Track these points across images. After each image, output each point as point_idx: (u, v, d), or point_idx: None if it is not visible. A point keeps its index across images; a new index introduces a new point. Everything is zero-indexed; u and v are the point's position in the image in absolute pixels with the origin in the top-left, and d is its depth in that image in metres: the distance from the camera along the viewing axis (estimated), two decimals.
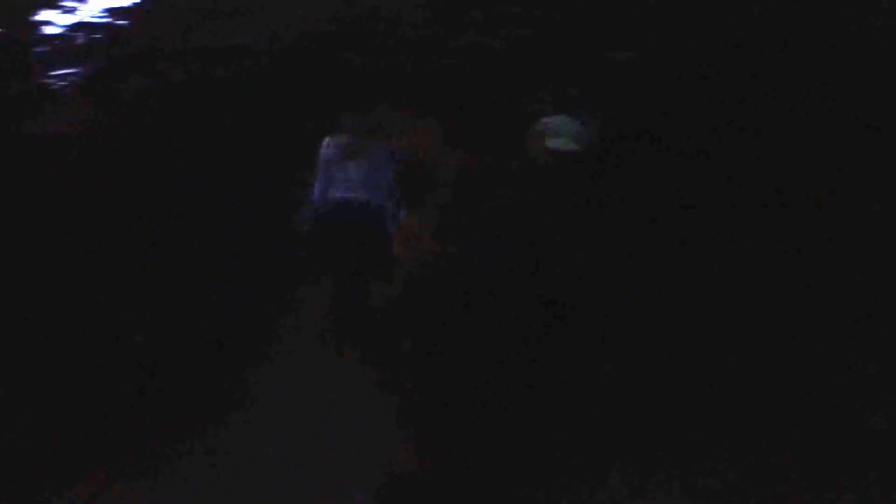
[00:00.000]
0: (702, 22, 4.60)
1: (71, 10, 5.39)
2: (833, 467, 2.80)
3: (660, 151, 4.08)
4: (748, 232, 3.79)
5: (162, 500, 2.78)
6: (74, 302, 3.81)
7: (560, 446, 2.93)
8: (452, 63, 4.66)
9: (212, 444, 3.00)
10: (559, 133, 3.49)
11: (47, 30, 5.31)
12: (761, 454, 2.86)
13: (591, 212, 3.56)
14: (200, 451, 2.98)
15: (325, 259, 3.28)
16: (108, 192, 4.40)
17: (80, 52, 5.24)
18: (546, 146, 3.47)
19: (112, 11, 5.37)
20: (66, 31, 5.32)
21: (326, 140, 3.39)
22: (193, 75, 5.02)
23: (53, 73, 5.14)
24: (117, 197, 4.37)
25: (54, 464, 2.89)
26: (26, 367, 3.38)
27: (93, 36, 5.29)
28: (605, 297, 3.50)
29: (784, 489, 2.73)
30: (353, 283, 3.20)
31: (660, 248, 3.72)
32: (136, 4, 5.30)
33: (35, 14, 5.38)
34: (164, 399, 3.15)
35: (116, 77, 5.08)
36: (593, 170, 3.61)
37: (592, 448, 2.92)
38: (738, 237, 3.76)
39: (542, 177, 3.51)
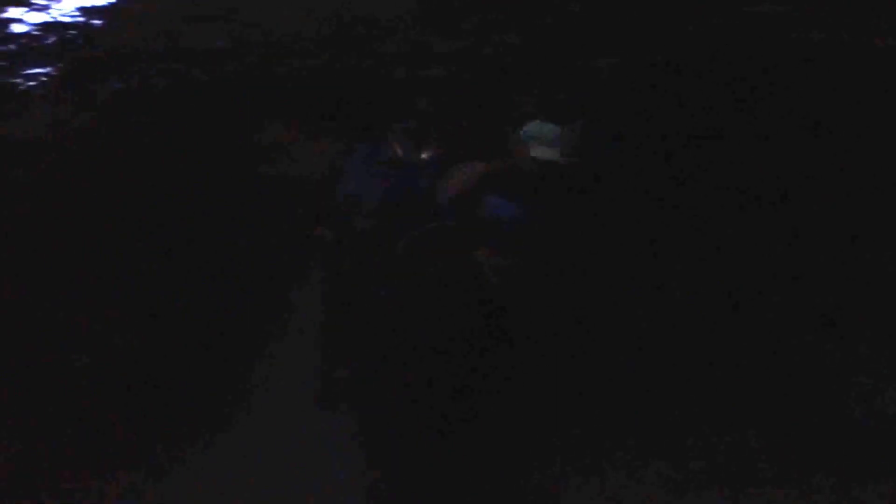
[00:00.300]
0: (688, 28, 4.65)
1: (43, 9, 5.19)
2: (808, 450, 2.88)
3: (646, 160, 4.11)
4: (728, 229, 3.82)
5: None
6: (47, 308, 3.64)
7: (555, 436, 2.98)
8: (442, 70, 4.64)
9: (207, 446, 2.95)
10: (542, 140, 3.43)
11: (16, 28, 5.11)
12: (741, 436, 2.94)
13: (570, 221, 3.52)
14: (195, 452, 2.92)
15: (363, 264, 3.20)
16: (80, 196, 4.24)
17: (51, 52, 5.05)
18: (529, 154, 3.41)
19: (86, 11, 5.19)
20: (36, 29, 5.12)
21: (358, 146, 3.36)
22: (172, 78, 4.89)
23: (23, 72, 4.94)
24: (91, 202, 4.22)
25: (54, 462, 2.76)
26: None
27: (66, 35, 5.11)
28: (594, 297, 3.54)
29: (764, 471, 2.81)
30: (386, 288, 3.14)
31: (642, 250, 3.74)
32: (111, 4, 5.13)
33: (2, 11, 5.17)
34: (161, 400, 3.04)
35: (90, 78, 4.91)
36: (574, 180, 3.56)
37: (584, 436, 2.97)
38: (719, 236, 3.80)
39: (525, 184, 3.44)
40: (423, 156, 3.67)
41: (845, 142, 4.07)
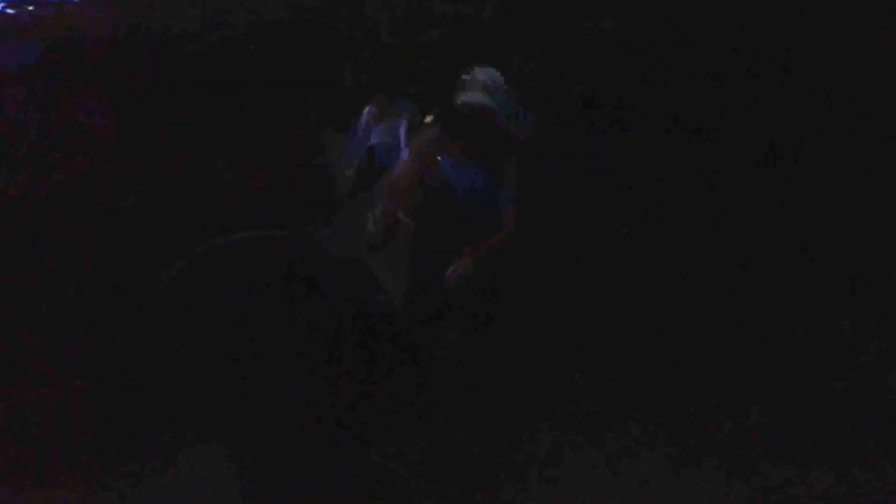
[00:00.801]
0: None
1: None
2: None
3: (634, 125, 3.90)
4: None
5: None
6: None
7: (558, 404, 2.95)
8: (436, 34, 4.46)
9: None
10: (474, 86, 3.18)
11: None
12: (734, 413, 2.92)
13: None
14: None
15: None
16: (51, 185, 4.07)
17: (24, 33, 4.88)
18: (459, 99, 3.18)
19: None
20: (9, 6, 4.93)
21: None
22: (153, 56, 4.69)
23: None
24: (62, 191, 4.05)
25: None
26: None
27: (39, 15, 4.92)
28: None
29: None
30: None
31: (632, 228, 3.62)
32: None
33: None
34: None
35: (67, 59, 4.73)
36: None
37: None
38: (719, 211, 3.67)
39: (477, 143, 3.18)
40: (427, 121, 3.50)
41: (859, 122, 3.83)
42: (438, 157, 3.16)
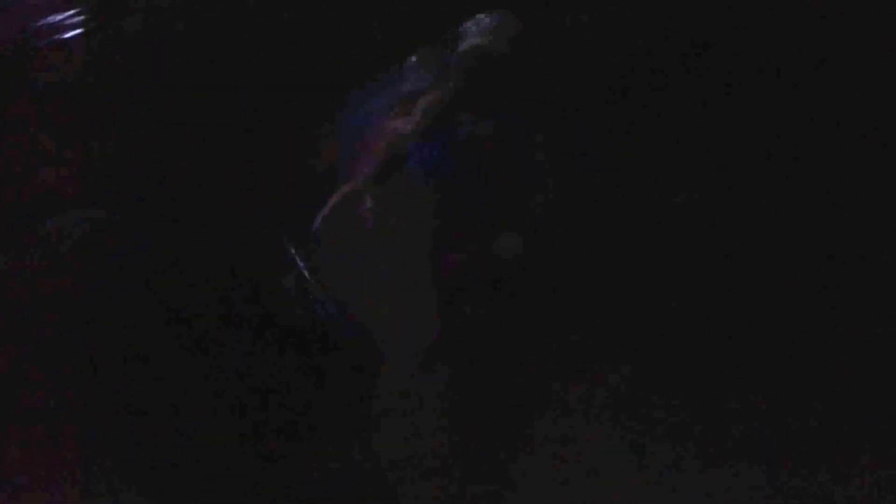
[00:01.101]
0: None
1: None
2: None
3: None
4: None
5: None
6: None
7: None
8: None
9: None
10: (472, 32, 2.82)
11: None
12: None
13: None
14: None
15: None
16: (109, 148, 4.10)
17: None
18: (458, 49, 2.83)
19: None
20: None
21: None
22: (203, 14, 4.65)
23: (48, 19, 4.83)
24: (120, 154, 4.07)
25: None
26: None
27: None
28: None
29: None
30: None
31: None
32: None
33: None
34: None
35: (116, 18, 4.75)
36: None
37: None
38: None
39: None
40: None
41: None
42: (446, 129, 2.82)
